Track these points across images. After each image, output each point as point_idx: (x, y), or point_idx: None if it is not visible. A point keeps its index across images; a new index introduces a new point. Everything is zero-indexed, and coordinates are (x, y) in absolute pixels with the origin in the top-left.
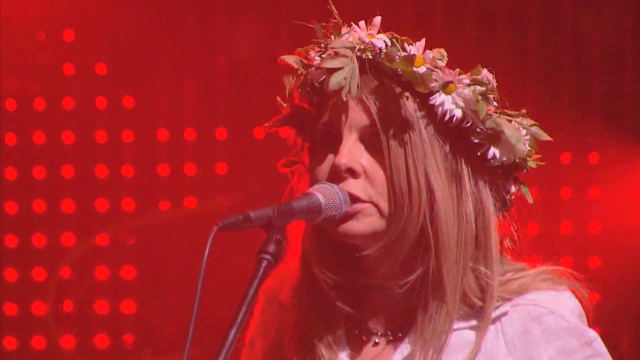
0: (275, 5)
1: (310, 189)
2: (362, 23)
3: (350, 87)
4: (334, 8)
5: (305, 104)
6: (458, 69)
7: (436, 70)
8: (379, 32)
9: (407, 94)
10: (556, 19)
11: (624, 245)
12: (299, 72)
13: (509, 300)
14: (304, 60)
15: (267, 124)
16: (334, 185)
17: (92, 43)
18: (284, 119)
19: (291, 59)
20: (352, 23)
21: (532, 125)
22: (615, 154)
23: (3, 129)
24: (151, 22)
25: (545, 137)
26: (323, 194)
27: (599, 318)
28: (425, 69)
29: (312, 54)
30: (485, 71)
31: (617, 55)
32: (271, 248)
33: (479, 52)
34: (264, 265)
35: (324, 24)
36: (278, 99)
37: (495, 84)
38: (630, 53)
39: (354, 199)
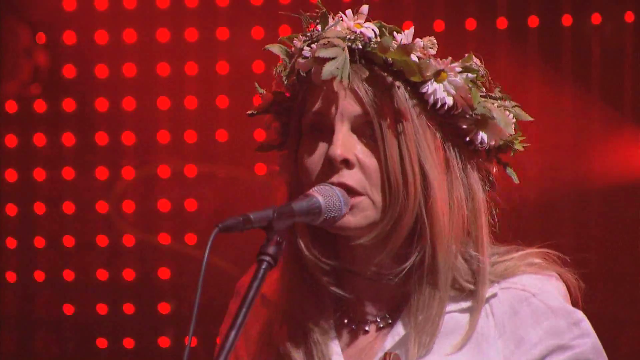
0: (275, 5)
1: (310, 190)
2: (349, 12)
3: (342, 77)
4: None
5: (286, 91)
6: (450, 57)
7: (427, 58)
8: (366, 20)
9: (398, 83)
10: (556, 18)
11: (625, 244)
12: (283, 61)
13: (496, 282)
14: (289, 50)
15: (249, 112)
16: (334, 187)
17: (93, 44)
18: (265, 106)
19: (276, 48)
20: (339, 12)
21: (514, 107)
22: (615, 154)
23: (3, 131)
24: (152, 22)
25: (527, 117)
26: (323, 195)
27: (599, 318)
28: (417, 58)
29: (298, 43)
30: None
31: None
32: (271, 250)
33: (479, 50)
34: (264, 267)
35: (310, 14)
36: (256, 84)
37: (484, 71)
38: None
39: (349, 191)
